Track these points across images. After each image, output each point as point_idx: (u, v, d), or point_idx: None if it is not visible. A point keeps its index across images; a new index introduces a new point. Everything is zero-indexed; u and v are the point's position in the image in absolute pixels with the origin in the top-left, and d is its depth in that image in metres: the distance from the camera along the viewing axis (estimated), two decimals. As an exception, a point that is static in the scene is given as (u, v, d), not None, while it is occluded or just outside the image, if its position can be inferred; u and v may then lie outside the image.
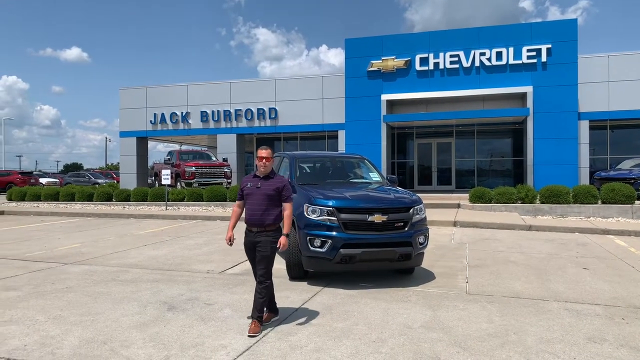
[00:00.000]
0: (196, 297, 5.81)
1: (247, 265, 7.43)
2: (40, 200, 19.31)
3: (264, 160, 4.68)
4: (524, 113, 19.37)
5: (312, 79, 23.25)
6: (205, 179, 19.27)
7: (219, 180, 19.58)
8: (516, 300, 5.76)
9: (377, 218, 6.13)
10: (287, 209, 4.70)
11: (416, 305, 5.53)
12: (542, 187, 14.98)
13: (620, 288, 6.30)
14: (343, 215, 6.12)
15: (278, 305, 5.25)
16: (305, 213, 6.28)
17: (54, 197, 19.18)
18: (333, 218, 6.12)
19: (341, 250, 6.04)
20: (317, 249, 6.14)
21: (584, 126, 19.43)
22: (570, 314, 5.22)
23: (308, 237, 6.17)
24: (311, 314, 5.15)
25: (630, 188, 13.47)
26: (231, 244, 4.80)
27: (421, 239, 6.49)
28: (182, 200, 17.17)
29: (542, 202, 14.13)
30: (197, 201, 16.95)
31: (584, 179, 19.23)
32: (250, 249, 4.77)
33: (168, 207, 16.48)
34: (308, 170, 7.98)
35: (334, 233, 6.08)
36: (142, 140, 26.25)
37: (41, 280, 6.71)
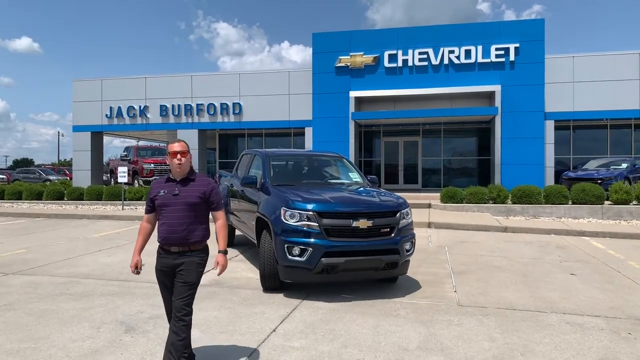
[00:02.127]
0: (158, 314, 5.08)
1: (214, 277, 6.74)
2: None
3: (178, 156, 3.40)
4: (492, 112, 19.29)
5: (278, 73, 22.51)
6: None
7: (180, 178, 18.62)
8: (512, 312, 5.32)
9: (362, 223, 5.56)
10: (220, 217, 3.60)
11: (407, 320, 4.99)
12: (508, 186, 14.90)
13: (614, 296, 5.97)
14: (325, 221, 5.52)
15: (253, 323, 4.61)
16: (282, 218, 5.64)
17: (-1, 195, 17.78)
18: (314, 223, 5.51)
19: (322, 259, 5.44)
20: (295, 258, 5.52)
21: (550, 126, 19.52)
22: (574, 328, 4.80)
23: (286, 245, 5.55)
24: (292, 335, 4.53)
25: (600, 189, 13.47)
26: (138, 273, 3.59)
27: (408, 246, 5.97)
28: (140, 199, 16.17)
29: (514, 203, 13.96)
30: (157, 200, 16.00)
31: (550, 179, 19.33)
32: (168, 275, 3.49)
33: (125, 207, 15.46)
34: (282, 170, 7.35)
35: (314, 240, 5.48)
36: (97, 135, 24.84)
37: (-25, 295, 5.81)
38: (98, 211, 14.78)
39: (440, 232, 11.01)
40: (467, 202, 14.29)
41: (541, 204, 13.66)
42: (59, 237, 10.27)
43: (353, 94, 20.33)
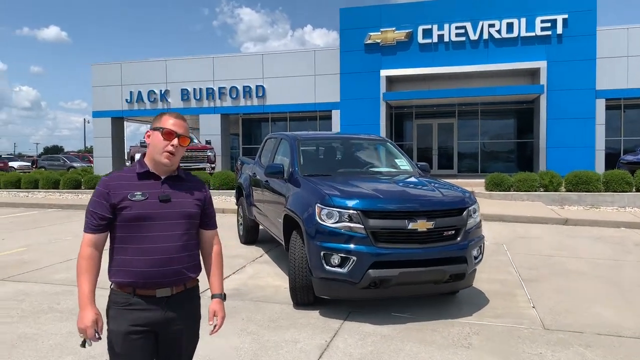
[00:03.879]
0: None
1: (237, 282, 5.64)
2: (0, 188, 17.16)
3: (175, 141, 2.12)
4: (537, 91, 17.63)
5: (303, 53, 21.21)
6: (186, 164, 17.26)
7: (201, 165, 17.62)
8: (620, 340, 4.05)
9: (421, 225, 4.32)
10: (217, 241, 2.38)
11: (484, 353, 3.78)
12: (555, 170, 13.32)
13: None
14: (372, 222, 4.31)
15: (285, 359, 3.47)
16: (317, 217, 4.45)
17: (15, 184, 17.05)
18: (358, 225, 4.31)
19: (370, 271, 4.24)
20: (335, 269, 4.34)
21: (601, 105, 17.80)
22: None
23: (322, 252, 4.36)
24: (337, 380, 3.36)
25: (669, 174, 11.87)
26: (99, 338, 2.03)
27: (476, 252, 4.73)
28: (159, 188, 15.20)
29: (569, 190, 12.48)
30: (177, 189, 15.01)
31: (600, 163, 17.67)
32: (145, 340, 2.07)
33: (143, 197, 14.52)
34: (314, 157, 6.15)
35: (359, 246, 4.28)
36: (117, 121, 24.06)
37: (-54, 311, 4.81)
38: (114, 201, 13.86)
39: (492, 225, 9.67)
40: (515, 190, 12.87)
41: (600, 191, 12.15)
42: (66, 232, 9.33)
43: (384, 73, 18.91)
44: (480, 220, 4.92)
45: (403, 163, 6.05)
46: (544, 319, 4.55)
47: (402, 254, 4.31)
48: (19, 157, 57.83)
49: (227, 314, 4.56)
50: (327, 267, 4.35)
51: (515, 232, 8.94)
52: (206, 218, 2.28)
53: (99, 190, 2.09)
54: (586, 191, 12.17)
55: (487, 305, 4.97)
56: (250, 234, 7.67)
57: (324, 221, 4.41)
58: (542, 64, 17.67)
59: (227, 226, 9.48)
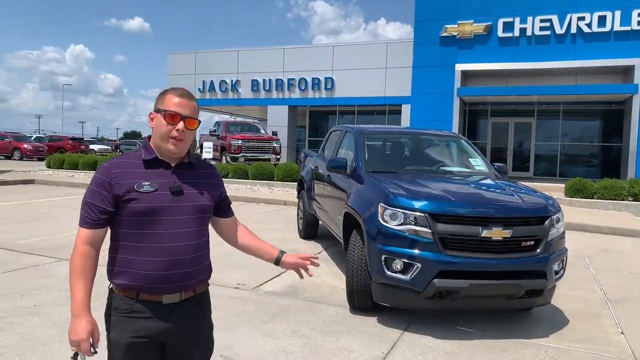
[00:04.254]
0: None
1: (292, 279, 5.40)
2: (78, 169, 18.07)
3: (182, 124, 1.79)
4: (630, 90, 16.17)
5: (374, 45, 20.78)
6: (252, 154, 17.40)
7: (266, 156, 17.69)
8: None
9: (496, 233, 3.87)
10: (239, 224, 2.21)
11: (565, 386, 3.29)
12: (638, 178, 12.10)
13: None
14: (441, 226, 3.91)
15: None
16: (380, 218, 4.11)
17: (92, 166, 17.89)
18: (424, 229, 3.92)
19: (435, 280, 3.85)
20: (396, 275, 3.98)
21: (702, 108, 16.06)
22: None
23: (383, 256, 4.02)
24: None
25: None
26: (95, 352, 1.72)
27: (557, 266, 4.20)
28: (225, 176, 15.38)
29: (663, 201, 11.29)
30: (242, 178, 15.13)
31: (697, 173, 15.97)
32: (152, 351, 1.80)
33: (209, 184, 14.74)
34: (380, 152, 5.79)
35: (425, 252, 3.90)
36: (191, 109, 24.70)
37: (8, 287, 4.92)
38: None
39: (572, 235, 8.84)
40: (599, 198, 11.82)
41: (700, 204, 10.89)
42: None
43: (459, 67, 18.08)
44: (564, 231, 4.37)
45: (478, 163, 5.56)
46: (635, 349, 3.96)
47: (472, 264, 3.89)
48: (100, 140, 61.45)
49: (278, 313, 4.39)
50: (388, 273, 4.01)
51: (598, 244, 8.12)
52: (225, 207, 2.07)
53: (99, 179, 1.77)
54: (683, 203, 10.95)
55: (566, 326, 4.42)
56: (310, 229, 7.44)
57: (387, 222, 4.06)
58: (636, 62, 16.17)
59: (288, 219, 9.34)
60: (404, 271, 3.96)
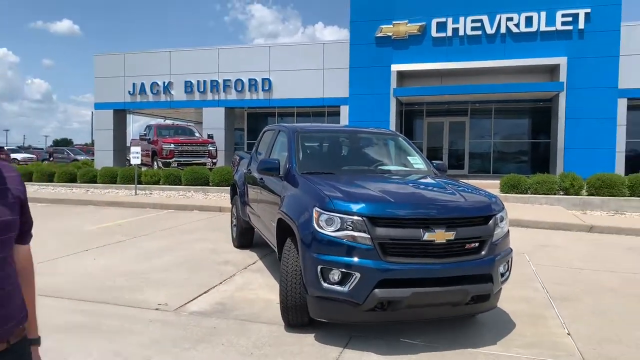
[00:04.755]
0: (120, 375, 3.26)
1: (222, 294, 4.92)
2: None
3: None
4: (557, 88, 16.76)
5: (311, 46, 20.48)
6: (186, 159, 16.60)
7: (202, 160, 16.93)
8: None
9: (439, 235, 3.57)
10: (29, 261, 1.59)
11: (518, 401, 3.02)
12: (570, 172, 12.46)
13: None
14: (380, 230, 3.56)
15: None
16: (314, 223, 3.71)
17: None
18: (362, 234, 3.56)
19: (376, 290, 3.50)
20: (334, 287, 3.60)
21: (622, 105, 16.89)
22: None
23: (319, 266, 3.62)
24: None
25: (702, 179, 11.01)
26: None
27: (503, 268, 3.98)
28: (157, 182, 14.55)
29: (591, 194, 11.65)
30: (175, 184, 14.34)
31: (620, 166, 16.78)
32: None
33: (139, 192, 13.86)
34: (316, 152, 5.40)
35: (364, 260, 3.54)
36: (119, 113, 23.44)
37: None
38: (108, 196, 13.21)
39: (510, 231, 8.87)
40: (532, 193, 12.06)
41: (625, 196, 11.31)
42: (50, 230, 8.65)
43: (395, 67, 18.10)
44: (508, 231, 4.16)
45: (417, 161, 5.29)
46: (584, 351, 3.79)
47: (415, 271, 3.57)
48: (26, 149, 57.54)
49: (202, 337, 3.86)
50: (325, 285, 3.62)
51: (536, 240, 8.14)
52: (25, 226, 1.50)
53: None
54: (610, 195, 11.34)
55: (513, 330, 4.20)
56: (244, 237, 6.95)
57: (322, 228, 3.67)
58: (562, 60, 16.78)
59: (222, 227, 8.78)
60: (341, 282, 3.59)
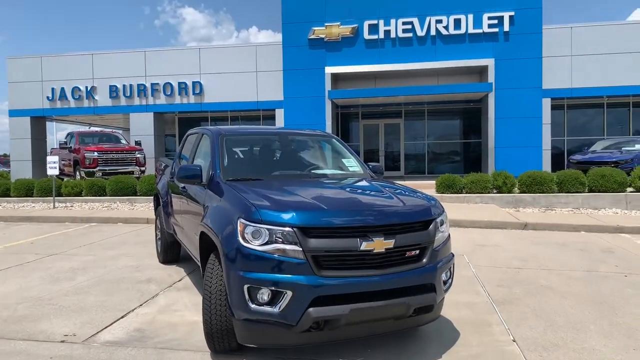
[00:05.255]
0: None
1: (142, 319, 4.37)
2: None
3: None
4: (486, 89, 17.22)
5: (243, 48, 19.95)
6: (112, 167, 15.55)
7: (129, 168, 15.93)
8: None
9: (378, 244, 3.25)
10: None
11: None
12: (500, 170, 12.73)
13: None
14: (314, 242, 3.19)
15: None
16: (239, 237, 3.28)
17: None
18: (294, 247, 3.18)
19: (311, 309, 3.13)
20: (263, 308, 3.18)
21: (546, 104, 17.63)
22: None
23: (246, 285, 3.20)
24: None
25: (622, 174, 11.52)
26: None
27: (445, 275, 3.72)
28: (79, 194, 13.48)
29: (523, 192, 11.91)
30: (99, 195, 13.34)
31: (547, 163, 17.49)
32: None
33: (58, 205, 12.77)
34: (243, 157, 4.96)
35: (296, 277, 3.15)
36: (38, 121, 21.83)
37: None
38: (23, 211, 12.07)
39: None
40: (467, 192, 12.18)
41: (554, 192, 11.65)
42: (-54, 251, 7.64)
43: (329, 70, 17.95)
44: (449, 235, 3.91)
45: (352, 163, 4.97)
46: (530, 358, 3.59)
47: (353, 285, 3.22)
48: None
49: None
50: (253, 306, 3.19)
51: (474, 240, 8.10)
52: None
53: None
54: (540, 192, 11.62)
55: (458, 340, 3.96)
56: (170, 252, 6.37)
57: (248, 242, 3.25)
58: (489, 62, 17.29)
59: (147, 241, 8.13)
60: (271, 302, 3.18)
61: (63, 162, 17.03)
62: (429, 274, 3.48)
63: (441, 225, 3.72)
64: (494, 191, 12.22)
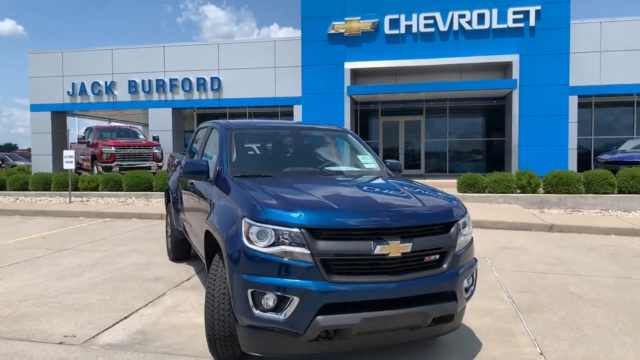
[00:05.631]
0: None
1: (145, 320, 4.18)
2: None
3: None
4: (510, 85, 16.70)
5: (262, 44, 19.73)
6: (129, 162, 15.53)
7: (147, 164, 15.89)
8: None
9: (393, 248, 2.98)
10: None
11: None
12: (525, 170, 12.24)
13: None
14: (324, 244, 2.93)
15: None
16: (244, 237, 3.04)
17: None
18: (301, 250, 2.92)
19: (319, 317, 2.87)
20: (268, 315, 2.94)
21: (573, 102, 17.02)
22: None
23: (250, 290, 2.96)
24: None
25: (654, 174, 10.98)
26: None
27: (467, 282, 3.42)
28: (95, 188, 13.46)
29: (548, 192, 11.46)
30: (115, 190, 13.30)
31: (573, 162, 16.91)
32: None
33: (75, 199, 12.76)
34: (252, 152, 4.72)
35: (304, 282, 2.90)
36: (58, 115, 21.97)
37: None
38: (39, 205, 12.07)
39: (468, 232, 8.47)
40: (490, 192, 11.78)
41: (581, 193, 11.17)
42: (-41, 245, 7.60)
43: (348, 65, 17.62)
44: (472, 238, 3.61)
45: (368, 160, 4.68)
46: (560, 375, 3.28)
47: (365, 292, 2.95)
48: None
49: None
50: (257, 312, 2.95)
51: (497, 242, 7.74)
52: None
53: None
54: (566, 193, 11.16)
55: (480, 352, 3.66)
56: (180, 249, 6.19)
57: (253, 243, 3.00)
58: (514, 58, 16.74)
59: (160, 237, 7.98)
60: (277, 308, 2.93)
61: (82, 156, 17.09)
62: (450, 281, 3.19)
63: (464, 227, 3.42)
64: (518, 191, 11.79)
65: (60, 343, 3.76)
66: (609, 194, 11.07)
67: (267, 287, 2.93)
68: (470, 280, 3.46)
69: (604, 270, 6.03)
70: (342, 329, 2.93)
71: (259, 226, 3.01)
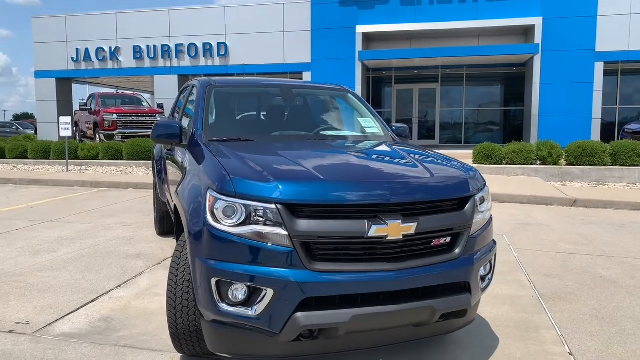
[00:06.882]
0: None
1: (114, 304, 3.66)
2: None
3: None
4: (532, 50, 15.73)
5: (270, 6, 18.85)
6: (132, 130, 15.02)
7: (148, 132, 15.33)
8: None
9: (393, 229, 2.37)
10: None
11: None
12: (545, 140, 11.44)
13: None
14: (304, 223, 2.33)
15: None
16: (208, 214, 2.46)
17: None
18: (278, 230, 2.33)
19: (299, 314, 2.30)
20: (236, 309, 2.38)
21: (599, 69, 16.01)
22: None
23: (214, 279, 2.39)
24: None
25: (687, 145, 10.16)
26: None
27: (484, 269, 2.81)
28: (96, 157, 13.01)
29: (570, 164, 10.71)
30: (116, 159, 12.83)
31: (596, 133, 16.03)
32: None
33: (74, 168, 12.32)
34: (234, 113, 4.10)
35: (280, 270, 2.32)
36: (63, 82, 21.50)
37: None
38: (35, 173, 11.65)
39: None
40: (508, 163, 11.06)
41: (606, 165, 10.41)
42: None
43: (360, 29, 16.74)
44: (491, 217, 2.98)
45: (369, 124, 4.02)
46: (595, 382, 2.70)
47: (356, 283, 2.36)
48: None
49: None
50: (223, 305, 2.39)
51: (515, 217, 7.10)
52: None
53: None
54: (591, 165, 10.41)
55: (496, 349, 3.09)
56: (166, 223, 5.66)
57: (219, 221, 2.42)
58: (537, 21, 15.72)
59: (151, 209, 7.47)
60: (247, 302, 2.37)
61: (84, 124, 16.63)
62: (463, 269, 2.59)
63: (481, 203, 2.79)
64: (538, 162, 11.06)
65: (10, 332, 3.27)
66: (637, 166, 10.29)
67: (235, 275, 2.35)
68: (488, 268, 2.86)
69: (636, 251, 5.38)
70: (327, 328, 2.36)
71: (225, 200, 2.41)
